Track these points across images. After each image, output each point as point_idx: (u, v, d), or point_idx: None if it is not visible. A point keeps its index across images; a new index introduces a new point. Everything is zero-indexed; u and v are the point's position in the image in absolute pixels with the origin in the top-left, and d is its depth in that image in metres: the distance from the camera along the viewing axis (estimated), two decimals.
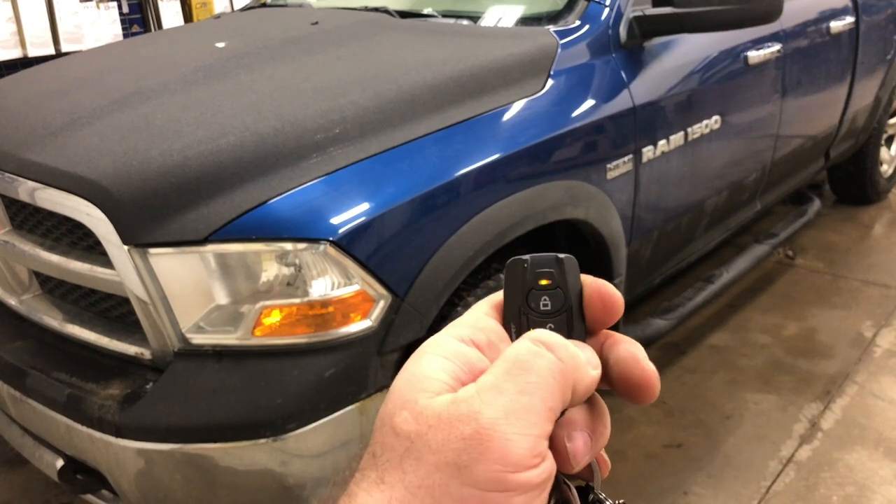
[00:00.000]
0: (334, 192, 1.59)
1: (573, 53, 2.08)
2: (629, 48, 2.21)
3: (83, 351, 1.77)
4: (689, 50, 2.40)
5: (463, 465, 0.35)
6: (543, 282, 0.42)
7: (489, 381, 0.37)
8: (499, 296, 0.44)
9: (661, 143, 2.27)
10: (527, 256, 0.43)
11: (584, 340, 0.43)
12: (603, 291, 0.43)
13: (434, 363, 0.39)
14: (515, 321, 0.43)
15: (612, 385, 0.42)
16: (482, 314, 0.43)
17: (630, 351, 0.42)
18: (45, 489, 2.35)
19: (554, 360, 0.38)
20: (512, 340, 0.42)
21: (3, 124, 1.94)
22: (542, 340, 0.39)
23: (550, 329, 0.42)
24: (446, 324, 1.51)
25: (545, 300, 0.42)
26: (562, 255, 0.43)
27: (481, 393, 0.36)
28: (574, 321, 0.43)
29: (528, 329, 0.42)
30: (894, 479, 2.25)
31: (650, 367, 0.42)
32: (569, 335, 0.41)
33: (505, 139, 1.84)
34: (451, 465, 0.35)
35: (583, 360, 0.39)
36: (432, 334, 1.42)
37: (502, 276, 0.43)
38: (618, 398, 0.43)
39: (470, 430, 0.35)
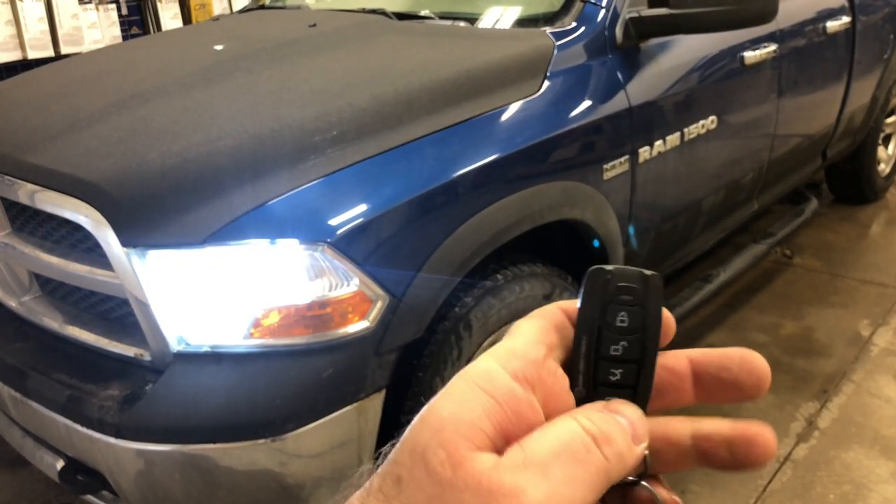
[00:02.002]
0: (332, 193, 1.60)
1: (569, 55, 2.09)
2: (625, 49, 2.22)
3: (83, 352, 1.78)
4: (686, 50, 2.41)
5: None
6: (625, 296, 0.41)
7: (538, 456, 0.36)
8: (549, 312, 0.42)
9: (658, 143, 2.28)
10: (611, 267, 0.41)
11: (654, 367, 0.41)
12: (746, 359, 0.42)
13: (481, 405, 0.37)
14: (588, 334, 0.41)
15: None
16: (534, 342, 0.40)
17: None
18: (45, 490, 2.36)
19: (602, 460, 0.37)
20: (577, 354, 0.41)
21: (3, 127, 1.95)
22: (594, 434, 0.37)
23: (623, 347, 0.40)
24: (443, 324, 1.51)
25: (623, 316, 0.40)
26: (647, 272, 0.41)
27: (528, 467, 0.35)
28: (648, 345, 0.41)
29: (599, 348, 0.40)
30: (890, 477, 2.26)
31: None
32: (641, 358, 0.40)
33: (502, 140, 1.85)
34: None
35: (630, 454, 0.38)
36: (430, 335, 1.42)
37: (580, 286, 0.42)
38: None
39: None
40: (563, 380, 0.41)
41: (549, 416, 0.39)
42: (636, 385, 0.41)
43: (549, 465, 0.36)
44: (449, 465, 0.35)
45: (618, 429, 0.38)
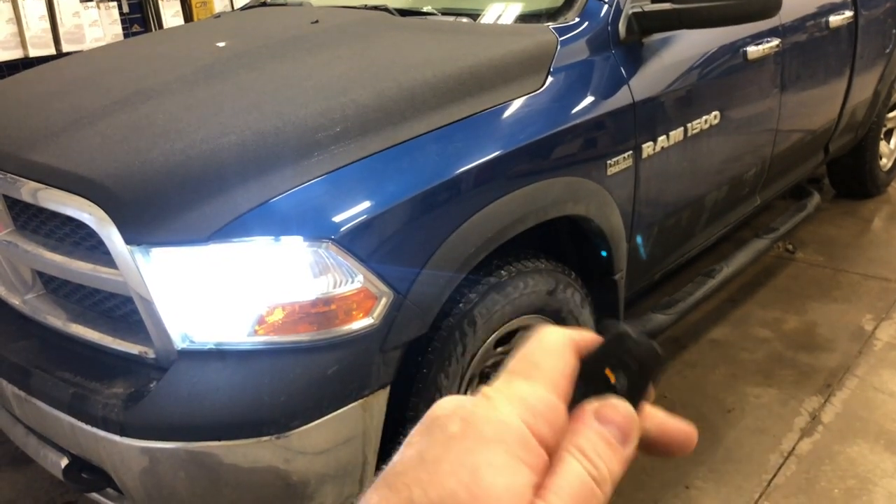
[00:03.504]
0: (336, 190, 1.59)
1: (572, 50, 2.09)
2: (628, 44, 2.21)
3: (87, 350, 1.78)
4: (689, 46, 2.40)
5: None
6: (633, 363, 0.43)
7: None
8: (564, 350, 0.44)
9: (661, 138, 2.27)
10: (634, 334, 0.43)
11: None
12: (672, 430, 0.45)
13: (527, 482, 0.38)
14: (586, 381, 0.43)
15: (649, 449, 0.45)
16: (554, 396, 0.42)
17: (660, 415, 0.45)
18: (49, 488, 2.36)
19: (602, 497, 0.39)
20: (576, 396, 0.42)
21: (5, 125, 1.95)
22: (595, 477, 0.39)
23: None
24: (448, 321, 1.50)
25: (622, 379, 0.42)
26: (661, 351, 0.43)
27: None
28: (636, 402, 0.43)
29: (591, 395, 0.42)
30: (895, 471, 2.25)
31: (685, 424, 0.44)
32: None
33: (505, 136, 1.85)
34: None
35: (621, 467, 0.41)
36: (434, 331, 1.41)
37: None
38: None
39: None
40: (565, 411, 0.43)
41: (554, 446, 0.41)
42: None
43: None
44: None
45: (609, 455, 0.40)
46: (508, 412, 0.40)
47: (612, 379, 0.42)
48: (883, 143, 4.27)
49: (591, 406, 0.41)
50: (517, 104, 1.92)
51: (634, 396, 0.42)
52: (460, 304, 1.79)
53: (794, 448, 2.38)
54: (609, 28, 2.17)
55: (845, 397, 2.62)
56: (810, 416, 2.54)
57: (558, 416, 0.41)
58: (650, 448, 0.44)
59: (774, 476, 2.27)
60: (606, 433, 0.40)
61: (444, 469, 0.37)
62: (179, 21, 4.24)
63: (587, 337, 0.45)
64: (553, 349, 0.43)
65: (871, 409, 2.54)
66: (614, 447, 0.40)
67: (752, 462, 2.33)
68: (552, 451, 0.40)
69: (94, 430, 1.62)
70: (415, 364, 1.75)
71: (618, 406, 0.41)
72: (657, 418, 0.45)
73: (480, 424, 0.39)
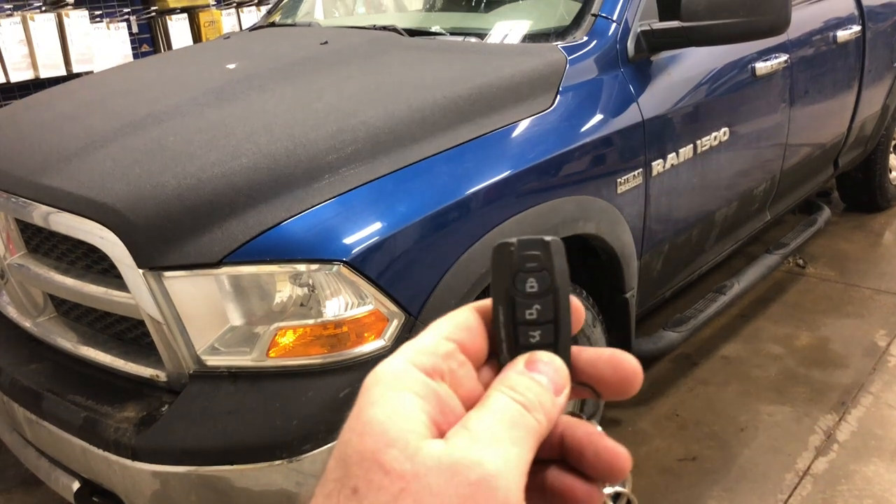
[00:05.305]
0: (347, 212, 1.59)
1: (581, 69, 2.09)
2: (637, 62, 2.22)
3: (98, 373, 1.77)
4: (697, 63, 2.40)
5: None
6: (530, 264, 0.43)
7: (483, 428, 0.39)
8: (458, 312, 0.45)
9: (671, 156, 2.27)
10: (513, 239, 0.44)
11: (569, 323, 0.44)
12: (616, 360, 0.44)
13: (413, 403, 0.39)
14: (503, 304, 0.44)
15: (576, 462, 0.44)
16: (441, 338, 0.43)
17: (589, 431, 0.44)
18: None
19: (534, 422, 0.40)
20: (497, 325, 0.44)
21: (17, 149, 1.96)
22: (522, 402, 0.40)
23: (537, 310, 0.43)
24: None
25: (531, 282, 0.43)
26: (548, 238, 0.44)
27: (478, 440, 0.38)
28: (560, 304, 0.43)
29: (515, 315, 0.43)
30: None
31: (617, 446, 0.44)
32: (556, 317, 0.43)
33: (515, 156, 1.85)
34: None
35: (554, 408, 0.41)
36: None
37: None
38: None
39: (476, 476, 0.36)
40: (471, 369, 0.44)
41: (463, 401, 0.42)
42: (556, 343, 0.44)
43: (494, 432, 0.39)
44: (405, 459, 0.37)
45: (540, 391, 0.41)
46: (389, 360, 0.42)
47: (518, 286, 0.43)
48: (892, 157, 4.27)
49: (521, 357, 0.43)
50: (527, 124, 1.92)
51: (555, 292, 0.43)
52: None
53: (809, 467, 2.36)
54: (618, 46, 2.18)
55: (860, 415, 2.60)
56: (825, 434, 2.51)
57: (445, 347, 0.43)
58: (586, 384, 0.45)
59: (790, 496, 2.25)
60: (536, 376, 0.42)
61: (343, 429, 0.39)
62: (188, 40, 4.27)
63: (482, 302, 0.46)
64: (444, 316, 0.45)
65: (887, 428, 2.52)
66: (545, 388, 0.42)
67: (767, 481, 2.31)
68: (446, 375, 0.42)
69: (106, 453, 1.61)
70: None
71: (547, 359, 0.43)
72: (587, 353, 0.45)
73: (366, 381, 0.41)
